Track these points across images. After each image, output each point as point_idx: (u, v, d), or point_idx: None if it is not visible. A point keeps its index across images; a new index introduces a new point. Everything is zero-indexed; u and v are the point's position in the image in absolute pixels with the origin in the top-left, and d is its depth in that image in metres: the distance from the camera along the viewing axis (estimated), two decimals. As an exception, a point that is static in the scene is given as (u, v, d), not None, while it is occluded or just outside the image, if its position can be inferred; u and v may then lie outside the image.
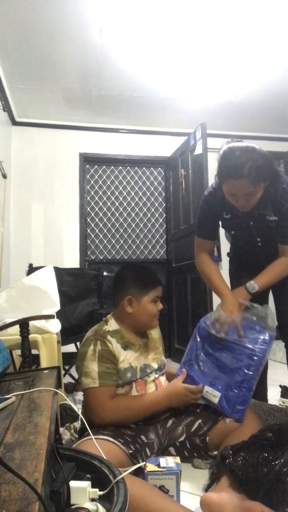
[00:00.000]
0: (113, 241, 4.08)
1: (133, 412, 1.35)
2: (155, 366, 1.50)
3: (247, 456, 1.13)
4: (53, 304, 1.92)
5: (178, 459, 1.22)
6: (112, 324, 1.48)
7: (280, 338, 1.82)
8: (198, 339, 1.60)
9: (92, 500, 0.80)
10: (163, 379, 1.53)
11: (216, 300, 3.13)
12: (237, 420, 1.37)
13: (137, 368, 1.43)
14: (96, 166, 4.11)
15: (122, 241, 4.10)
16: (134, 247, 4.13)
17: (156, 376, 1.50)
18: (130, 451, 1.22)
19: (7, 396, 0.93)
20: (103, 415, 1.30)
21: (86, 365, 1.35)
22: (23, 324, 1.64)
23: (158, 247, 4.19)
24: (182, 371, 1.51)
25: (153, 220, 4.20)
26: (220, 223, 1.78)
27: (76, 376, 2.60)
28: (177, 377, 1.50)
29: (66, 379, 2.69)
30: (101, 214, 4.07)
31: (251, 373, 1.41)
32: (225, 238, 1.97)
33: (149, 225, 4.19)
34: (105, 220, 4.08)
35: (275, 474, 1.06)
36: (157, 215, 4.22)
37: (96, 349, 1.37)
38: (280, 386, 2.28)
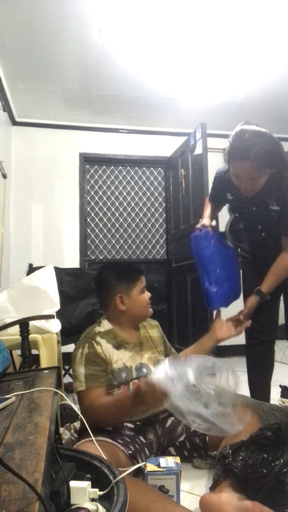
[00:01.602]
0: (113, 241, 4.08)
1: (114, 409, 1.25)
2: (151, 366, 1.48)
3: (247, 456, 1.13)
4: (53, 304, 1.92)
5: (178, 459, 1.22)
6: (105, 325, 1.48)
7: (286, 338, 1.82)
8: None
9: (92, 500, 0.80)
10: None
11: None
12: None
13: (132, 368, 1.42)
14: (96, 166, 4.11)
15: (122, 241, 4.10)
16: (134, 247, 4.13)
17: None
18: (130, 452, 1.22)
19: (7, 396, 0.93)
20: (90, 416, 1.26)
21: (75, 369, 1.36)
22: (23, 324, 1.64)
23: (158, 247, 4.19)
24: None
25: (153, 220, 4.20)
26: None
27: (76, 376, 2.60)
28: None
29: (66, 379, 2.69)
30: (101, 214, 4.07)
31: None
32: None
33: (149, 225, 4.19)
34: (105, 220, 4.08)
35: (275, 474, 1.06)
36: (157, 215, 4.22)
37: (84, 352, 1.37)
38: (280, 386, 2.28)
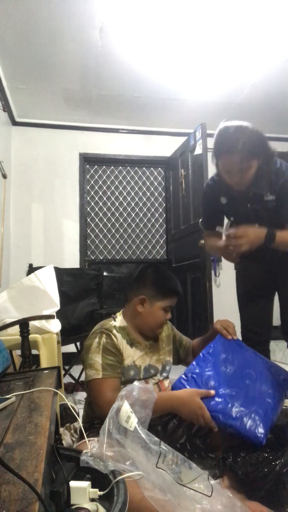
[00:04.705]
0: (113, 241, 4.08)
1: None
2: (159, 367, 1.48)
3: (247, 456, 1.13)
4: (53, 304, 1.92)
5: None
6: (119, 321, 1.48)
7: (282, 338, 1.82)
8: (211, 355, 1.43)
9: (92, 500, 0.80)
10: (167, 382, 1.51)
11: (215, 300, 3.13)
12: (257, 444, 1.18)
13: (141, 368, 1.43)
14: (96, 166, 4.11)
15: (122, 241, 4.10)
16: (134, 247, 4.13)
17: (160, 378, 1.48)
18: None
19: (7, 396, 0.93)
20: (103, 406, 1.23)
21: (91, 357, 1.35)
22: (23, 324, 1.64)
23: (158, 247, 4.19)
24: (210, 392, 1.27)
25: (153, 220, 4.20)
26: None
27: (76, 376, 2.60)
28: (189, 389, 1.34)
29: (66, 379, 2.69)
30: (101, 214, 4.07)
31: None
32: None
33: (149, 225, 4.19)
34: (105, 220, 4.08)
35: (276, 474, 1.06)
36: (157, 215, 4.22)
37: (101, 342, 1.37)
38: (280, 386, 2.27)
